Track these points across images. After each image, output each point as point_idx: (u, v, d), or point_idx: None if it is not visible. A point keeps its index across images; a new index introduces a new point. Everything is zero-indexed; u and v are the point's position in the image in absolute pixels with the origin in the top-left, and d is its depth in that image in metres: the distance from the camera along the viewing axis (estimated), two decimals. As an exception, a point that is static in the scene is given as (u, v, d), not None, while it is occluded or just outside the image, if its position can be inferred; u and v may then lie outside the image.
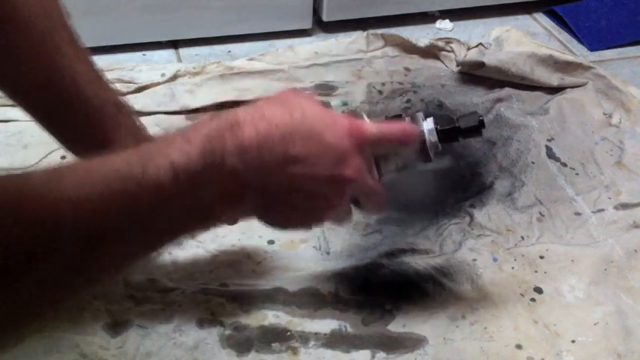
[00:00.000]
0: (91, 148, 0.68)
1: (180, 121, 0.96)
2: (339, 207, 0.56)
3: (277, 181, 0.51)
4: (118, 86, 0.96)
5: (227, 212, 0.52)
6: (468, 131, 0.65)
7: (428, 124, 0.63)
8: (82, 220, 0.43)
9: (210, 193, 0.49)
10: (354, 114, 0.60)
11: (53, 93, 0.63)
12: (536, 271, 0.77)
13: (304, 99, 0.54)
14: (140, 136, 0.69)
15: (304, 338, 0.69)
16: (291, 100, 0.53)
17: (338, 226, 0.77)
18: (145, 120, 0.74)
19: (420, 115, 0.63)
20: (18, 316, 0.43)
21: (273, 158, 0.50)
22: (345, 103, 1.01)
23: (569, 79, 1.05)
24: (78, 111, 0.65)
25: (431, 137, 0.62)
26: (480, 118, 0.65)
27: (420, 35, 1.15)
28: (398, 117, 0.65)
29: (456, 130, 0.64)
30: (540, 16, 1.29)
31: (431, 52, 1.11)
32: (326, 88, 1.03)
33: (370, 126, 0.56)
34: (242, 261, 0.76)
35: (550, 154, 0.94)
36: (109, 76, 0.70)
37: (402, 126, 0.59)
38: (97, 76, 0.66)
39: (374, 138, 0.56)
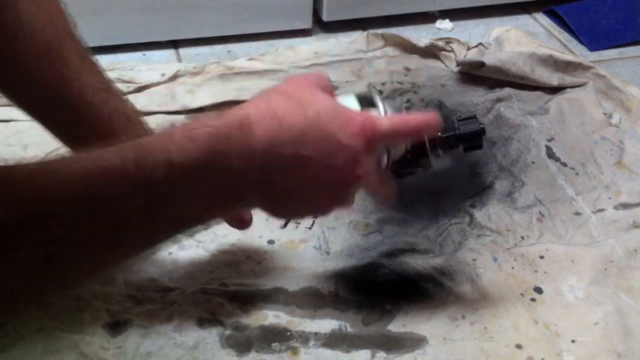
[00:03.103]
0: None
1: (180, 121, 0.95)
2: (345, 202, 0.56)
3: (284, 183, 0.50)
4: (118, 86, 0.96)
5: (225, 211, 0.51)
6: (469, 137, 0.64)
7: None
8: (64, 215, 0.42)
9: (209, 194, 0.48)
10: (367, 96, 0.58)
11: (60, 103, 0.63)
12: (536, 271, 0.77)
13: (317, 93, 0.52)
14: None
15: (304, 338, 0.69)
16: (304, 94, 0.51)
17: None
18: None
19: None
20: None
21: (282, 161, 0.49)
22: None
23: (569, 79, 1.05)
24: (86, 121, 0.64)
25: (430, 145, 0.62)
26: (482, 125, 0.65)
27: (420, 35, 1.15)
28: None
29: (457, 137, 0.64)
30: (540, 16, 1.29)
31: (431, 52, 1.11)
32: (326, 88, 1.04)
33: (383, 122, 0.54)
34: (242, 261, 0.76)
35: (550, 154, 0.94)
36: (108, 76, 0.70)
37: (417, 121, 0.57)
38: (105, 85, 0.66)
39: (387, 135, 0.54)
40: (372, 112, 0.58)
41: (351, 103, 0.58)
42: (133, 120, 0.68)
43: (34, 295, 0.44)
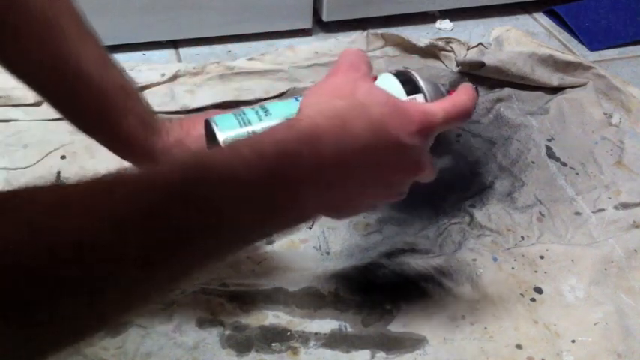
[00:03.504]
0: (101, 130, 0.68)
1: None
2: (404, 193, 0.57)
3: (348, 191, 0.51)
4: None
5: (285, 226, 0.51)
6: None
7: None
8: (118, 237, 0.39)
9: (271, 210, 0.47)
10: (407, 76, 0.59)
11: (59, 76, 0.63)
12: (536, 271, 0.77)
13: (373, 88, 0.53)
14: (148, 119, 0.69)
15: (304, 338, 0.69)
16: (363, 92, 0.52)
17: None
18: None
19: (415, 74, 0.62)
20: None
21: (348, 171, 0.50)
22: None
23: (569, 79, 1.05)
24: (84, 94, 0.64)
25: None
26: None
27: (420, 35, 1.15)
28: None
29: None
30: (540, 16, 1.29)
31: (431, 52, 1.11)
32: (326, 88, 1.03)
33: (438, 114, 0.54)
34: (242, 261, 0.76)
35: (550, 153, 0.94)
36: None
37: (465, 103, 0.57)
38: (103, 59, 0.66)
39: (441, 126, 0.55)
40: (418, 98, 0.59)
41: (393, 85, 0.59)
42: (131, 94, 0.68)
43: (92, 321, 0.42)
